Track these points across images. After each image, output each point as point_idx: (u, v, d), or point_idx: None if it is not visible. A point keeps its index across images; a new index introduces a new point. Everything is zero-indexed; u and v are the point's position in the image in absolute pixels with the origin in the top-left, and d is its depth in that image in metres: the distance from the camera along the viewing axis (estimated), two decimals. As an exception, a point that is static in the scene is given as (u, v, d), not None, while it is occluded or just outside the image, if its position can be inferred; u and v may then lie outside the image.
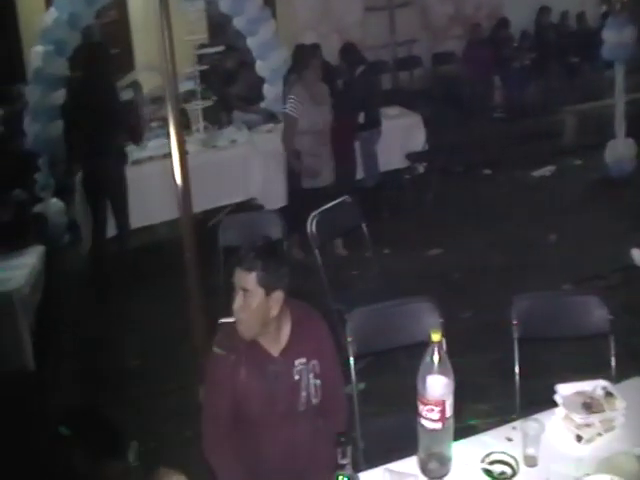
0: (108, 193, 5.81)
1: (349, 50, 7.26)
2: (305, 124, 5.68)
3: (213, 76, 8.72)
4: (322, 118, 5.78)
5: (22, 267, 4.63)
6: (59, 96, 7.39)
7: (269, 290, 2.33)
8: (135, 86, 7.75)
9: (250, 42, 7.92)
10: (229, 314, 3.63)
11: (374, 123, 6.97)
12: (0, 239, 4.94)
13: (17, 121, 7.70)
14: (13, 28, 9.62)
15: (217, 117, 8.05)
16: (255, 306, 2.33)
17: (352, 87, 6.91)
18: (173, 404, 4.12)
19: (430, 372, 2.12)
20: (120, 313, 5.33)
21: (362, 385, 3.13)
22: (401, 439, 2.44)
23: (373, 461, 2.38)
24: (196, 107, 7.06)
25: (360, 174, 6.99)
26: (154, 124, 7.41)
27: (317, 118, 5.74)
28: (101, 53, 5.89)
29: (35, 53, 7.26)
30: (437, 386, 2.11)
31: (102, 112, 5.52)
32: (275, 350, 2.44)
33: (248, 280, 2.32)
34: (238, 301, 2.35)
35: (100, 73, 5.64)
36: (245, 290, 2.33)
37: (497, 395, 3.65)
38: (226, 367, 2.41)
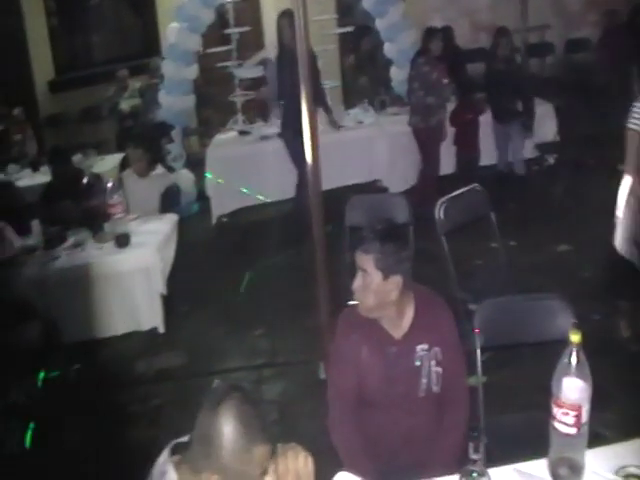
0: None
1: (504, 33, 7.05)
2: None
3: (341, 56, 8.79)
4: None
5: (157, 233, 4.82)
6: (192, 71, 7.64)
7: (386, 274, 2.33)
8: (266, 64, 7.90)
9: (379, 23, 7.86)
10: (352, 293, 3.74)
11: (528, 111, 6.79)
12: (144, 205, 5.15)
13: (153, 93, 8.04)
14: (150, 5, 10.04)
15: (344, 97, 8.11)
16: (373, 288, 2.34)
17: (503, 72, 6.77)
18: (295, 377, 4.20)
19: (567, 374, 2.05)
20: (246, 283, 5.47)
21: (483, 378, 3.08)
22: (525, 438, 2.39)
23: (495, 458, 2.34)
24: (323, 86, 7.08)
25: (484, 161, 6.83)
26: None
27: None
28: None
29: (170, 29, 7.54)
30: (573, 389, 2.04)
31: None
32: (397, 333, 2.44)
33: (366, 262, 2.33)
34: (358, 281, 2.37)
35: None
36: (364, 271, 2.34)
37: (626, 405, 3.49)
38: (349, 345, 2.44)
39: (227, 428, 1.59)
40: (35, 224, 4.84)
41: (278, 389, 4.07)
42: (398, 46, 7.81)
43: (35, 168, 7.04)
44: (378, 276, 2.33)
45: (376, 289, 2.34)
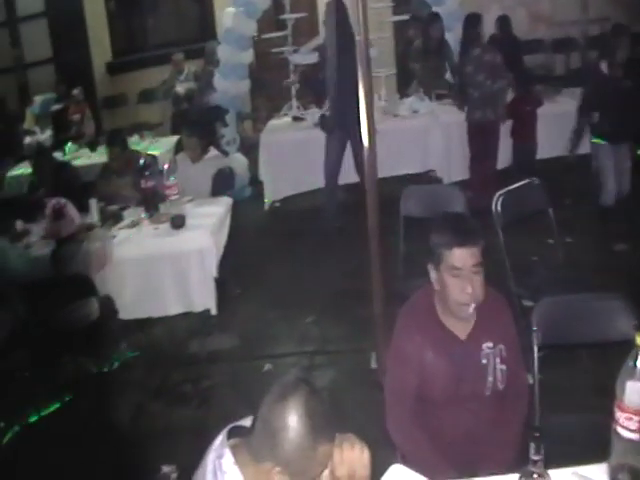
0: None
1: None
2: None
3: (396, 45, 8.70)
4: None
5: (211, 215, 4.86)
6: (247, 56, 7.66)
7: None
8: (321, 50, 7.87)
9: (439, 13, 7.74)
10: (408, 284, 3.72)
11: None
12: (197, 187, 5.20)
13: (208, 77, 8.10)
14: (207, -11, 10.10)
15: (399, 86, 8.04)
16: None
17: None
18: (346, 366, 4.20)
19: (632, 378, 1.99)
20: (299, 268, 5.51)
21: (538, 376, 3.04)
22: (581, 440, 2.35)
23: (549, 459, 2.30)
24: (378, 74, 7.03)
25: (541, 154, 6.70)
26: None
27: None
28: None
29: (226, 14, 7.57)
30: (638, 394, 1.99)
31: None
32: (462, 333, 2.40)
33: (478, 254, 2.27)
34: (477, 279, 2.28)
35: None
36: (476, 265, 2.27)
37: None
38: (412, 346, 2.39)
39: (294, 422, 1.57)
40: (92, 203, 4.91)
41: (329, 377, 4.07)
42: (455, 35, 7.67)
43: (92, 148, 7.16)
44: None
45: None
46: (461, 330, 2.40)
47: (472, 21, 6.25)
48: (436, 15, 7.41)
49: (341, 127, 5.87)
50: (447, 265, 2.27)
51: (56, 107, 8.82)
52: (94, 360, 4.47)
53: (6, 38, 10.37)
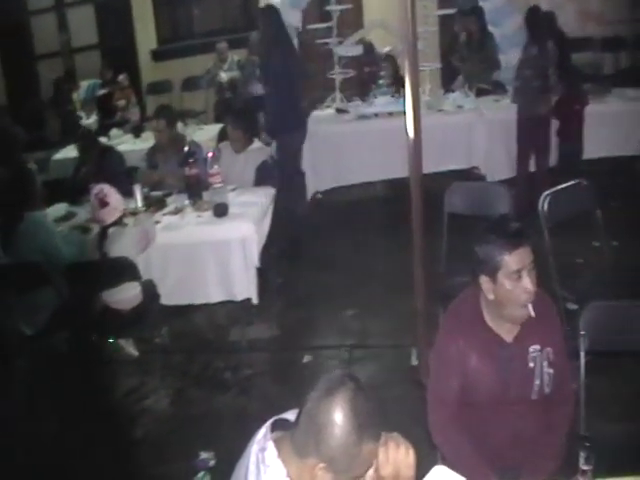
0: None
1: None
2: None
3: (441, 39, 8.61)
4: None
5: (254, 205, 4.86)
6: (291, 46, 7.63)
7: None
8: (365, 43, 7.84)
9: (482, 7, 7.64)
10: (451, 281, 3.69)
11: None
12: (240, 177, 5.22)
13: (252, 67, 8.11)
14: (251, -20, 10.09)
15: (444, 81, 7.96)
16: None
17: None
18: (386, 361, 4.19)
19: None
20: (341, 260, 5.50)
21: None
22: (628, 450, 2.30)
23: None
24: (422, 69, 6.96)
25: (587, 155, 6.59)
26: (381, 82, 7.46)
27: None
28: None
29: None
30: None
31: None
32: (509, 336, 2.35)
33: (530, 251, 2.24)
34: (534, 276, 2.25)
35: None
36: (529, 267, 2.23)
37: None
38: (456, 350, 2.35)
39: (340, 418, 1.55)
40: (137, 188, 4.95)
41: (368, 371, 4.05)
42: (502, 31, 7.56)
43: (137, 134, 7.22)
44: None
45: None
46: (508, 333, 2.36)
47: (532, 15, 6.15)
48: (476, 8, 7.32)
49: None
50: (507, 271, 2.22)
51: (101, 92, 8.94)
52: (135, 343, 4.53)
53: (54, 23, 10.52)
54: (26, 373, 4.29)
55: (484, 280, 2.27)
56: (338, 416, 1.55)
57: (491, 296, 2.28)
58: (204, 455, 3.51)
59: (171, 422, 3.91)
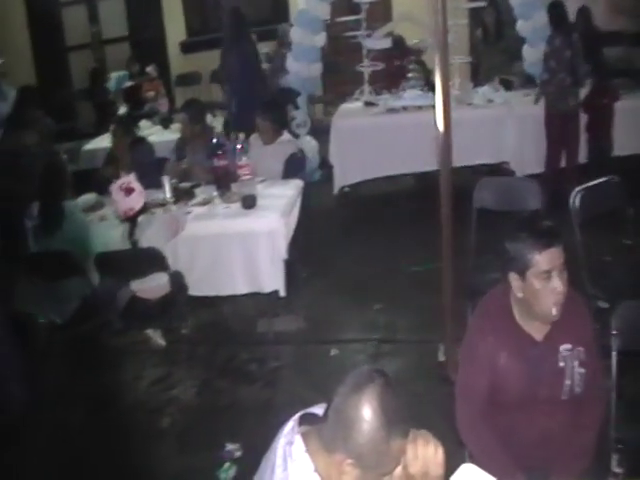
0: None
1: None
2: None
3: (471, 32, 8.53)
4: None
5: (282, 197, 4.85)
6: (320, 39, 7.62)
7: None
8: (394, 36, 7.80)
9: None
10: (479, 277, 3.65)
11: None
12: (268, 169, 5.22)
13: (280, 59, 8.10)
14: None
15: (473, 74, 7.89)
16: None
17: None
18: (413, 356, 4.16)
19: None
20: (368, 254, 5.47)
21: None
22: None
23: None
24: (452, 62, 6.89)
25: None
26: (410, 75, 7.41)
27: None
28: None
29: (300, -4, 7.52)
30: None
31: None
32: (539, 334, 2.32)
33: (562, 252, 2.20)
34: (564, 277, 2.21)
35: None
36: (559, 269, 2.19)
37: None
38: (485, 347, 2.33)
39: (368, 414, 1.54)
40: (165, 179, 4.97)
41: (395, 366, 4.01)
42: (532, 24, 7.42)
43: (166, 125, 7.25)
44: None
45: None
46: (538, 331, 2.32)
47: (554, 8, 6.10)
48: (491, 4, 7.27)
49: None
50: (536, 270, 2.17)
51: (127, 84, 8.99)
52: (162, 333, 4.57)
53: (85, 15, 10.61)
54: (55, 362, 4.33)
55: (513, 277, 2.24)
56: (366, 412, 1.54)
57: (520, 294, 2.24)
58: (230, 446, 3.52)
59: (197, 413, 3.92)
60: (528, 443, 2.37)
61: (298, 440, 1.66)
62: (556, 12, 6.06)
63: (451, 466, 1.85)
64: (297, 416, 1.73)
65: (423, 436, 1.66)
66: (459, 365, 2.48)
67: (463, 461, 2.21)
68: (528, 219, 2.43)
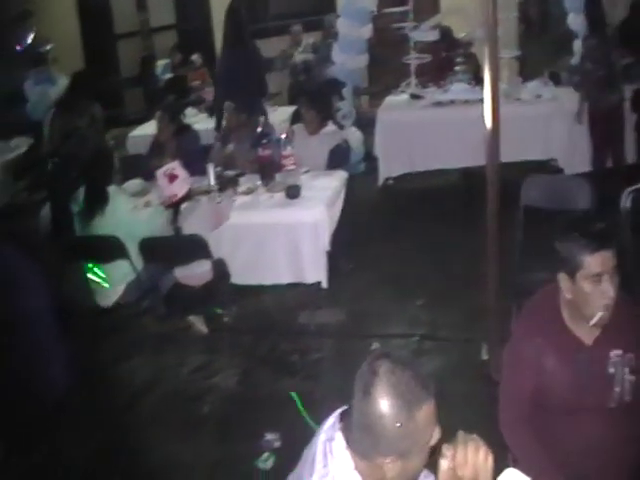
0: None
1: None
2: None
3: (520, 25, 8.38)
4: None
5: (326, 188, 4.83)
6: (366, 30, 7.55)
7: None
8: (442, 28, 7.70)
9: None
10: (526, 276, 3.58)
11: None
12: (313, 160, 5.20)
13: (326, 50, 8.07)
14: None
15: (521, 69, 7.76)
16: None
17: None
18: (455, 355, 4.10)
19: None
20: (412, 248, 5.41)
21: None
22: None
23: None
24: (500, 56, 6.77)
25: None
26: (457, 68, 7.32)
27: None
28: None
29: (346, -13, 7.45)
30: None
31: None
32: (589, 339, 2.24)
33: (614, 255, 2.12)
34: (615, 281, 2.13)
35: None
36: (609, 273, 2.12)
37: None
38: (532, 349, 2.26)
39: (386, 408, 1.52)
40: (210, 167, 4.98)
41: (437, 364, 3.96)
42: (583, 17, 7.32)
43: (211, 113, 7.26)
44: None
45: None
46: (587, 335, 2.24)
47: (589, 3, 5.98)
48: None
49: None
50: (587, 272, 2.11)
51: (169, 76, 9.06)
52: (204, 320, 4.58)
53: (133, 3, 10.70)
54: (97, 346, 4.37)
55: (563, 278, 2.17)
56: (383, 408, 1.52)
57: (569, 295, 2.18)
58: (269, 436, 3.50)
59: (237, 402, 3.92)
60: (573, 451, 2.29)
61: (339, 437, 1.64)
62: (591, 8, 5.94)
63: (495, 471, 1.81)
64: (338, 412, 1.70)
65: (474, 441, 1.62)
66: (504, 366, 2.41)
67: (506, 465, 2.17)
68: (580, 219, 2.33)
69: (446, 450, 1.61)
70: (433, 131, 6.47)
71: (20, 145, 6.97)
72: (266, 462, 3.38)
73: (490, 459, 1.61)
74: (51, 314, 3.27)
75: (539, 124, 6.46)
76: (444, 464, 1.61)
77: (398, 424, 1.53)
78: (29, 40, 8.02)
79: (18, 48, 8.03)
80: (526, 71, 7.70)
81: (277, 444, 3.47)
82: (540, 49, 7.50)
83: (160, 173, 4.31)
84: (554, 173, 6.12)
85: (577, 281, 2.13)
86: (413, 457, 1.59)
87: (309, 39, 8.99)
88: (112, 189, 4.24)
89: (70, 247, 4.40)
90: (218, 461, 3.47)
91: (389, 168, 6.67)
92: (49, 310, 3.26)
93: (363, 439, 1.58)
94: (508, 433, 2.33)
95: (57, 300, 3.38)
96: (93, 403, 3.95)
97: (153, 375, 4.24)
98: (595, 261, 2.10)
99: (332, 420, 1.70)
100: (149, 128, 6.46)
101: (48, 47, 7.96)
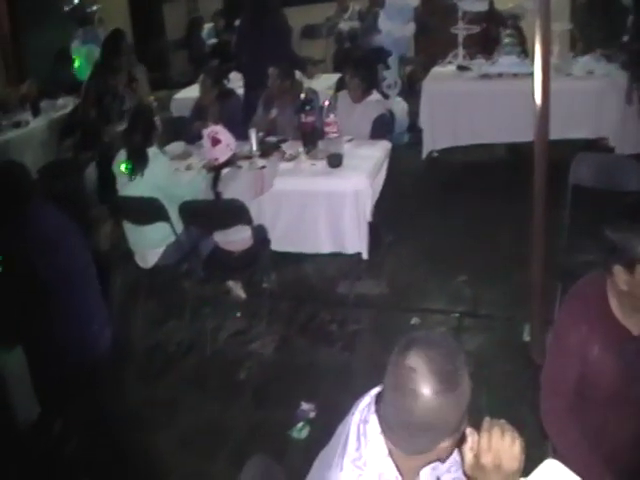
0: None
1: None
2: None
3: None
4: None
5: (369, 158, 4.73)
6: (414, -1, 7.41)
7: None
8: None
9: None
10: (572, 258, 3.48)
11: None
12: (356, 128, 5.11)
13: (373, 18, 7.92)
14: None
15: (573, 43, 7.54)
16: None
17: None
18: (497, 333, 4.02)
19: None
20: (455, 223, 5.33)
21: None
22: None
23: None
24: (552, 30, 6.56)
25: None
26: (507, 40, 7.12)
27: None
28: None
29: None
30: None
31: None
32: (636, 328, 2.14)
33: None
34: None
35: None
36: None
37: None
38: (577, 336, 2.17)
39: (426, 399, 1.44)
40: (252, 132, 4.93)
41: (477, 342, 3.90)
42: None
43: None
44: None
45: None
46: (636, 325, 2.14)
47: None
48: None
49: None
50: None
51: (212, 41, 8.98)
52: (242, 286, 4.58)
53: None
54: (137, 307, 4.39)
55: (618, 270, 2.03)
56: (422, 401, 1.45)
57: (625, 287, 2.05)
58: (305, 406, 3.51)
59: (275, 368, 3.92)
60: (618, 444, 2.21)
61: (373, 420, 1.58)
62: None
63: (534, 458, 1.73)
64: (374, 393, 1.63)
65: (500, 426, 1.54)
66: (547, 352, 2.33)
67: (546, 454, 2.11)
68: (635, 205, 2.19)
69: (470, 435, 1.55)
70: (480, 104, 6.31)
71: (67, 104, 6.99)
72: (300, 432, 3.39)
73: (517, 445, 1.52)
74: (92, 274, 3.28)
75: (590, 101, 6.24)
76: (467, 451, 1.57)
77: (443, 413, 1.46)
78: (76, 0, 8.02)
79: (66, 8, 8.03)
80: (578, 46, 7.49)
81: (312, 414, 3.47)
82: (593, 24, 7.26)
83: (205, 133, 4.28)
84: (605, 152, 5.95)
85: (637, 274, 2.00)
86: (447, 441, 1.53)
87: (355, 6, 8.83)
88: (153, 151, 4.22)
89: (112, 207, 4.40)
90: (253, 427, 3.47)
91: (434, 140, 6.53)
92: (90, 270, 3.28)
93: (413, 442, 1.53)
94: (550, 423, 2.25)
95: (98, 260, 3.38)
96: (132, 364, 3.99)
97: (191, 338, 4.25)
98: None
99: (367, 400, 1.63)
100: (193, 91, 6.41)
101: (95, 7, 7.95)
